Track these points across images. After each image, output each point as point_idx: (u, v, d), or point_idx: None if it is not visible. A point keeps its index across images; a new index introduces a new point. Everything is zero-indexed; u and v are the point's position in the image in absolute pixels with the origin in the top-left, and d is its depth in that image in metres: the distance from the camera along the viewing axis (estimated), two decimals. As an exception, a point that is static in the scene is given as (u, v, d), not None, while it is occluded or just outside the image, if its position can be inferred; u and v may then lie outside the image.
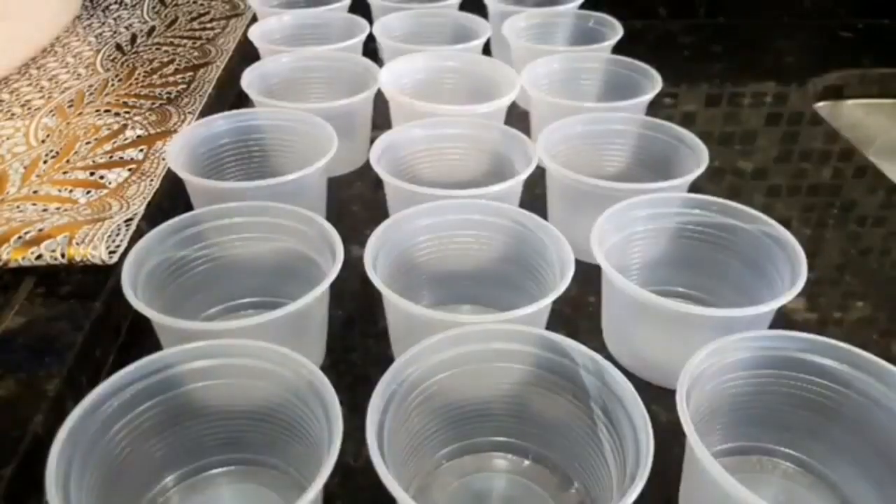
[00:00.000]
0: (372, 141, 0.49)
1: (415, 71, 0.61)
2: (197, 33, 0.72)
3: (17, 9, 0.62)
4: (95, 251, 0.40)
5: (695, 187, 0.46)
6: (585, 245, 0.39)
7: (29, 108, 0.57)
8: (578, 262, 0.37)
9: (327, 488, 0.33)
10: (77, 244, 0.40)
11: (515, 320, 0.34)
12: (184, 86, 0.61)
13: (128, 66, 0.65)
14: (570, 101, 0.55)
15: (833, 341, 0.33)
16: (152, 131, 0.54)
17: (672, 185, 0.45)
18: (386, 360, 0.41)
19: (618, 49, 0.66)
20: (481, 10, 0.73)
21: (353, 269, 0.43)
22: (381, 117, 0.61)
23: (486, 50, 0.70)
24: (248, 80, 0.56)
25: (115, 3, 0.79)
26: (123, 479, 0.31)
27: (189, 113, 0.57)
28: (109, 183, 0.48)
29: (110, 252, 0.41)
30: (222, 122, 0.51)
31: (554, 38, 0.72)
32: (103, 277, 0.41)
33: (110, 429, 0.30)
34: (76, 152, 0.51)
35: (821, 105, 0.78)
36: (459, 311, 0.45)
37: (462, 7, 0.74)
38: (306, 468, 0.32)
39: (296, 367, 0.31)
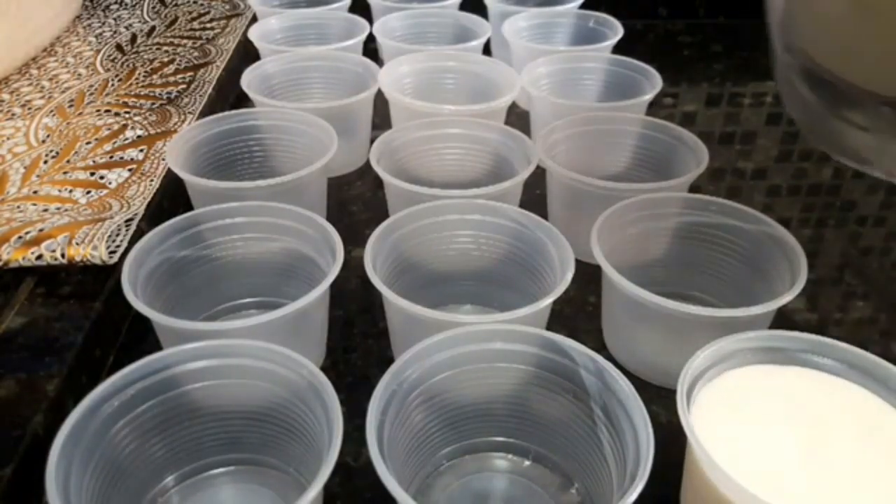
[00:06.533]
0: (372, 141, 0.49)
1: (415, 71, 0.61)
2: (197, 33, 0.72)
3: (17, 9, 0.62)
4: (95, 251, 0.40)
5: (695, 187, 0.46)
6: (585, 245, 0.39)
7: (29, 108, 0.57)
8: (578, 262, 0.37)
9: (327, 488, 0.33)
10: (77, 244, 0.40)
11: (515, 320, 0.34)
12: (184, 86, 0.61)
13: (128, 66, 0.65)
14: (570, 101, 0.55)
15: (833, 341, 0.33)
16: (152, 131, 0.54)
17: (672, 185, 0.45)
18: (386, 360, 0.41)
19: (618, 49, 0.66)
20: (481, 10, 0.73)
21: (353, 269, 0.43)
22: (381, 117, 0.61)
23: (487, 50, 0.70)
24: (248, 80, 0.56)
25: (116, 3, 0.79)
26: (124, 478, 0.31)
27: (189, 113, 0.57)
28: (110, 183, 0.48)
29: (110, 252, 0.41)
30: (222, 122, 0.51)
31: (554, 38, 0.72)
32: (103, 277, 0.41)
33: (110, 429, 0.30)
34: (76, 152, 0.51)
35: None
36: (459, 311, 0.45)
37: (462, 7, 0.74)
38: (306, 468, 0.32)
39: (296, 367, 0.31)
